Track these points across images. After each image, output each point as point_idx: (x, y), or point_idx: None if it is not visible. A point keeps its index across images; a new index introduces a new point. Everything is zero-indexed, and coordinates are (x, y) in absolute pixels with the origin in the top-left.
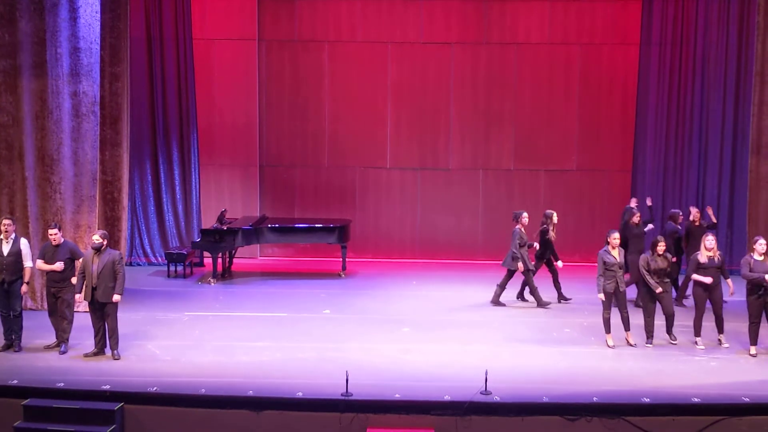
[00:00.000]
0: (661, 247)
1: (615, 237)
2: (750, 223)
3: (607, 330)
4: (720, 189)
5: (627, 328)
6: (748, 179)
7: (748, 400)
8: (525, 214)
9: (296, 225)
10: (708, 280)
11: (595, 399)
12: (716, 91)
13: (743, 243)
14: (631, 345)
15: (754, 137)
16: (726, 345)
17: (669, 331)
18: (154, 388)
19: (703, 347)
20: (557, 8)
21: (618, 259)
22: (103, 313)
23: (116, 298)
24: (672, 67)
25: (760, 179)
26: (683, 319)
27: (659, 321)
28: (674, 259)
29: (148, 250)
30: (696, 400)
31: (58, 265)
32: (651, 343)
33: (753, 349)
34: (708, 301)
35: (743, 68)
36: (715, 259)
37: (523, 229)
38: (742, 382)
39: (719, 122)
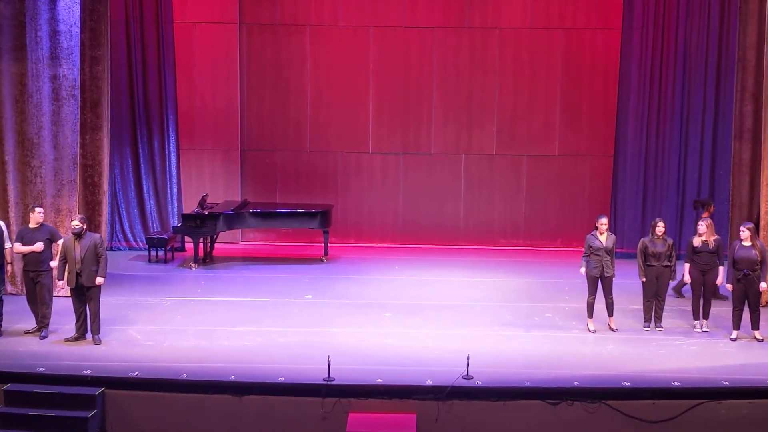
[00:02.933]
0: (660, 229)
1: (603, 222)
2: (733, 208)
3: (590, 315)
4: (701, 173)
5: (610, 313)
6: (731, 164)
7: (727, 384)
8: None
9: (278, 210)
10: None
11: (576, 383)
12: (698, 76)
13: (725, 228)
14: (613, 330)
15: (737, 122)
16: (706, 330)
17: (658, 316)
18: (136, 373)
19: (700, 330)
20: None
21: (604, 244)
22: (85, 298)
23: (99, 280)
24: (654, 52)
25: (743, 164)
26: (671, 303)
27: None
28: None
29: (129, 235)
30: (676, 384)
31: (38, 245)
32: (649, 327)
33: (734, 334)
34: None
35: (725, 53)
36: (710, 244)
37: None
38: (721, 366)
39: (700, 107)
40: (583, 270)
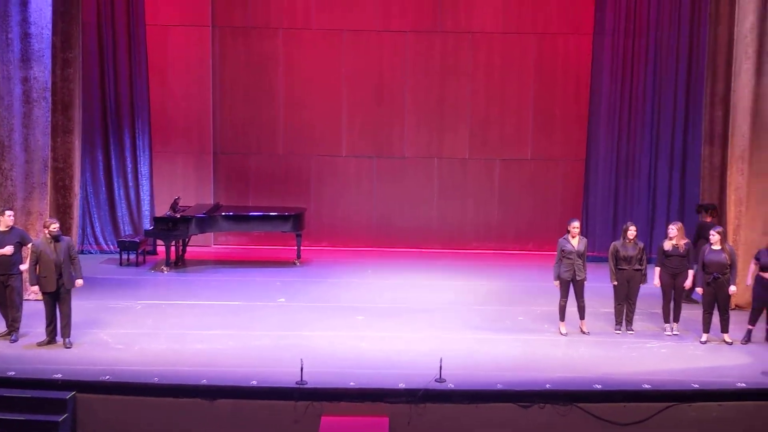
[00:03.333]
0: (631, 233)
1: (575, 226)
2: None
3: (562, 318)
4: (671, 178)
5: (582, 316)
6: (701, 169)
7: (697, 386)
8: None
9: (251, 213)
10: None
11: (548, 386)
12: (668, 81)
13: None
14: (584, 333)
15: (707, 127)
16: (676, 333)
17: (629, 319)
18: (107, 377)
19: (670, 333)
20: None
21: (576, 248)
22: (58, 301)
23: (80, 282)
24: (625, 57)
25: (714, 169)
26: (643, 306)
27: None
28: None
29: (100, 238)
30: (647, 386)
31: (8, 249)
32: (620, 330)
33: (704, 337)
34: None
35: (695, 59)
36: (680, 247)
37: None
38: (692, 368)
39: (671, 112)
40: (556, 283)
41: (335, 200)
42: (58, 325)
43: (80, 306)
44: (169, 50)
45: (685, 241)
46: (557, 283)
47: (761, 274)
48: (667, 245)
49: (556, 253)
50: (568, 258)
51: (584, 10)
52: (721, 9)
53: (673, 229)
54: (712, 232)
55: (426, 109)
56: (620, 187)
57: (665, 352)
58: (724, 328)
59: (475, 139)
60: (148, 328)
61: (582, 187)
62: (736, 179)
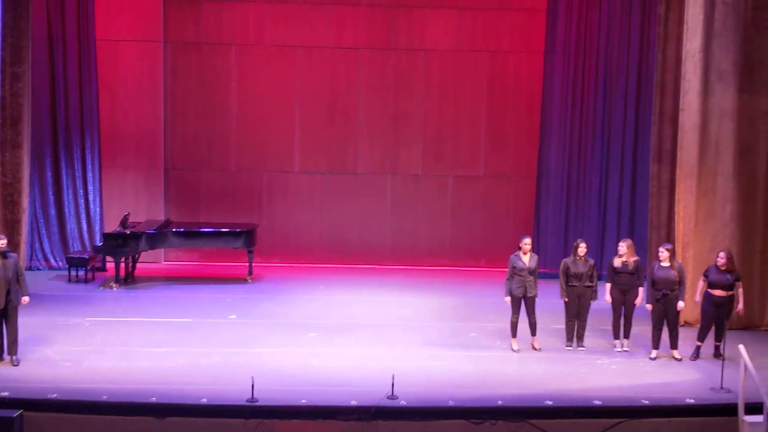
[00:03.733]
0: (581, 249)
1: (527, 242)
2: (651, 229)
3: (513, 334)
4: (621, 195)
5: (533, 333)
6: (649, 186)
7: (647, 402)
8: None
9: (202, 229)
10: (608, 298)
11: (499, 402)
12: (618, 99)
13: (644, 249)
14: (536, 349)
15: (656, 145)
16: (626, 349)
17: (580, 336)
18: (54, 395)
19: (620, 349)
20: (464, 16)
21: (527, 264)
22: (5, 318)
23: (26, 299)
24: (575, 75)
25: (662, 186)
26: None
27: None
28: None
29: (49, 254)
30: (597, 402)
31: None
32: (571, 346)
33: (654, 353)
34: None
35: (644, 78)
36: (629, 265)
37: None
38: (641, 384)
39: (620, 130)
40: (507, 299)
41: (287, 216)
42: (4, 343)
43: (28, 323)
44: (120, 65)
45: (635, 258)
46: (508, 299)
47: (709, 290)
48: (617, 262)
49: (507, 269)
50: (520, 275)
51: (536, 28)
52: (670, 29)
53: (623, 246)
54: (661, 248)
55: (379, 126)
56: (571, 203)
57: (616, 369)
58: (674, 345)
59: (428, 155)
60: (97, 346)
61: (533, 204)
62: (685, 197)
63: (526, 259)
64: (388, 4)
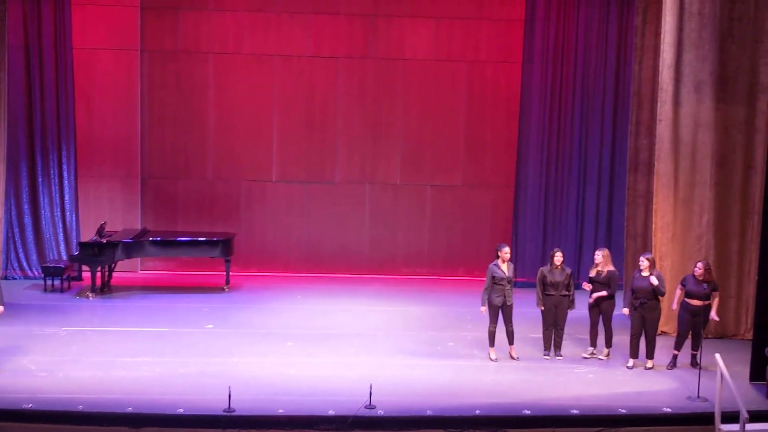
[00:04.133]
0: (558, 258)
1: (506, 251)
2: (628, 238)
3: (491, 343)
4: (599, 205)
5: (511, 342)
6: (626, 196)
7: (624, 411)
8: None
9: (178, 238)
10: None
11: (477, 412)
12: (595, 109)
13: (620, 258)
14: (513, 358)
15: (632, 155)
16: (601, 357)
17: (558, 345)
18: (30, 405)
19: (588, 356)
20: (443, 26)
21: (507, 274)
22: None
23: (1, 308)
24: (553, 85)
25: (638, 196)
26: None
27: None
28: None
29: (24, 264)
30: (575, 411)
31: None
32: (549, 355)
33: (631, 362)
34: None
35: (621, 88)
36: (602, 274)
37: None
38: (619, 393)
39: (598, 140)
40: (483, 309)
41: (265, 225)
42: None
43: (3, 332)
44: (97, 74)
45: (610, 269)
46: (485, 309)
47: (686, 299)
48: (592, 272)
49: (514, 278)
50: (499, 284)
51: (513, 38)
52: (647, 40)
53: (599, 256)
54: (641, 258)
55: (358, 135)
56: (549, 213)
57: (593, 378)
58: (649, 354)
59: (407, 164)
60: (73, 355)
61: (511, 213)
62: (662, 206)
63: (505, 267)
64: (366, 14)
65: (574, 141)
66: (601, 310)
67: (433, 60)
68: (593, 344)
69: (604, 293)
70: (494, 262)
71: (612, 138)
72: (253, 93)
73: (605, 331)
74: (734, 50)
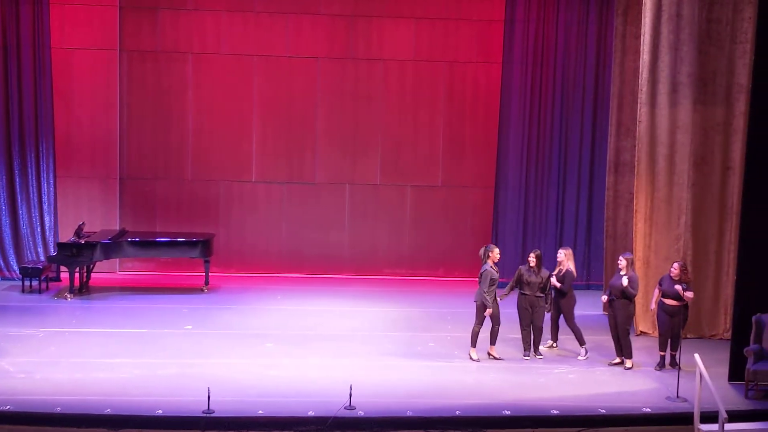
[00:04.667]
0: (531, 260)
1: (497, 252)
2: (607, 239)
3: (474, 344)
4: (578, 206)
5: (493, 342)
6: (605, 197)
7: (604, 411)
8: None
9: (157, 239)
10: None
11: (458, 412)
12: (575, 110)
13: (600, 259)
14: (495, 358)
15: (612, 156)
16: (581, 357)
17: (536, 345)
18: (8, 407)
19: (582, 358)
20: (423, 26)
21: (498, 275)
22: None
23: None
24: (533, 86)
25: (618, 197)
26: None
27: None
28: None
29: (2, 265)
30: (555, 412)
31: None
32: (529, 356)
33: (616, 359)
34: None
35: (601, 89)
36: (562, 272)
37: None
38: (599, 394)
39: (578, 141)
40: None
41: (245, 226)
42: None
43: None
44: (76, 73)
45: (568, 267)
46: (490, 311)
47: (663, 299)
48: (556, 270)
49: (483, 280)
50: (494, 285)
51: (493, 39)
52: (627, 42)
53: (561, 254)
54: (620, 257)
55: (338, 135)
56: (529, 213)
57: (573, 378)
58: (626, 353)
59: (387, 165)
60: (51, 357)
61: (491, 214)
62: (642, 207)
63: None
64: (346, 14)
65: (554, 142)
66: (561, 308)
67: (413, 60)
68: (553, 338)
69: (557, 284)
70: (489, 265)
71: (592, 139)
72: (233, 93)
73: (572, 330)
74: (712, 52)
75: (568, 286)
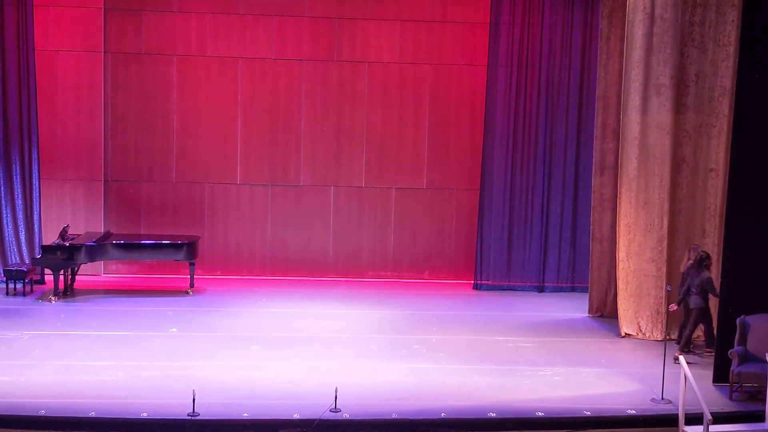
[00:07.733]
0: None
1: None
2: (593, 241)
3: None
4: (563, 208)
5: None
6: (591, 199)
7: (589, 413)
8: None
9: (142, 241)
10: None
11: (443, 414)
12: (560, 113)
13: (586, 262)
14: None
15: (598, 159)
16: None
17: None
18: None
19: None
20: (407, 29)
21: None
22: None
23: None
24: (518, 88)
25: (604, 200)
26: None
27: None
28: None
29: None
30: (540, 414)
31: None
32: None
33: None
34: None
35: (586, 91)
36: None
37: None
38: (584, 396)
39: (563, 143)
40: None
41: (229, 228)
42: None
43: None
44: (60, 75)
45: None
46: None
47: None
48: None
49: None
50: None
51: (478, 41)
52: (612, 44)
53: None
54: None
55: (322, 138)
56: (514, 215)
57: (558, 380)
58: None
59: (371, 167)
60: (35, 360)
61: (476, 216)
62: (626, 209)
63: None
64: (331, 16)
65: (539, 144)
66: None
67: (398, 63)
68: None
69: None
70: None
71: (577, 141)
72: (217, 95)
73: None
74: (695, 54)
75: None
